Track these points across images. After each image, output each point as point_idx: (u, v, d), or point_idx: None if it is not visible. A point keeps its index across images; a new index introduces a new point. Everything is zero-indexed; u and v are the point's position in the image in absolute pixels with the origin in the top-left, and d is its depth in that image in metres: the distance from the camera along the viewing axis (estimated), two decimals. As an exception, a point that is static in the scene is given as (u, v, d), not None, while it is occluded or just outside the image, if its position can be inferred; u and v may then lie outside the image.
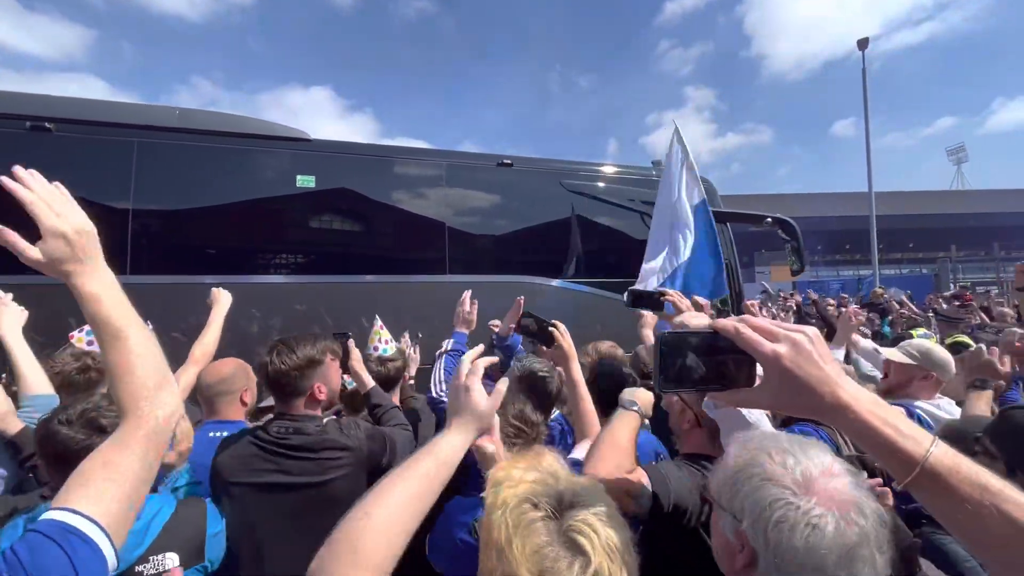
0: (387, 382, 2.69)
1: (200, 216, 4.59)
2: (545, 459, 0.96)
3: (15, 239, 0.91)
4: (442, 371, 2.32)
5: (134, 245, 4.28)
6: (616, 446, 1.45)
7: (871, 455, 0.70)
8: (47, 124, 4.12)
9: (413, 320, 4.69)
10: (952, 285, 23.98)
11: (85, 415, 1.52)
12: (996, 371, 2.48)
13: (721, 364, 0.75)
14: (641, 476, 1.42)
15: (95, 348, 2.51)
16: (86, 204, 3.90)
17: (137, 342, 0.98)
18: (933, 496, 0.64)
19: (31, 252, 0.91)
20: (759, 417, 1.45)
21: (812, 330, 0.73)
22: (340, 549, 0.84)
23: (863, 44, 21.48)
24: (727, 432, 1.46)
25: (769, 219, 5.40)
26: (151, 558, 1.45)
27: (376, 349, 2.90)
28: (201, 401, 2.39)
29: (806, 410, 0.72)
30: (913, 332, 6.87)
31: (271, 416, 1.90)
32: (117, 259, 4.23)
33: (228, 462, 1.80)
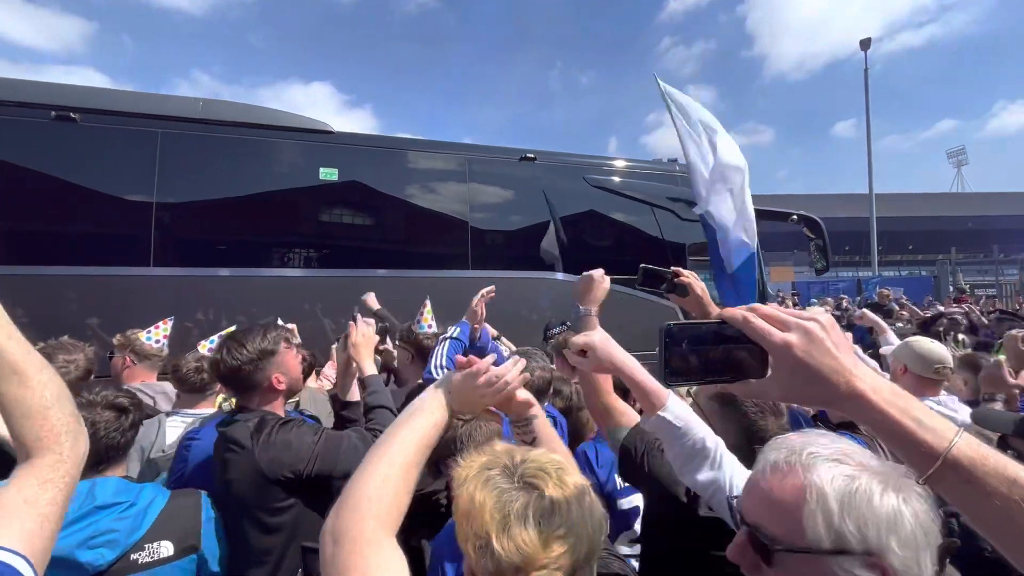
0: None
1: (224, 208, 4.57)
2: (497, 446, 1.01)
3: None
4: (443, 356, 2.33)
5: (158, 237, 4.25)
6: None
7: (888, 447, 0.67)
8: (72, 114, 4.09)
9: (435, 316, 4.66)
10: (951, 288, 24.11)
11: (106, 399, 1.59)
12: (1004, 383, 2.49)
13: (729, 355, 0.72)
14: (626, 417, 1.52)
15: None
16: (110, 194, 3.91)
17: (46, 377, 0.93)
18: (956, 490, 0.61)
19: None
20: (687, 418, 1.36)
21: (826, 317, 0.70)
22: (363, 507, 0.88)
23: (865, 44, 21.56)
24: (670, 443, 1.37)
25: (795, 216, 5.39)
26: (146, 546, 1.46)
27: (431, 327, 2.99)
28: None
29: (819, 401, 0.70)
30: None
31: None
32: (141, 251, 4.21)
33: None
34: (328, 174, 4.76)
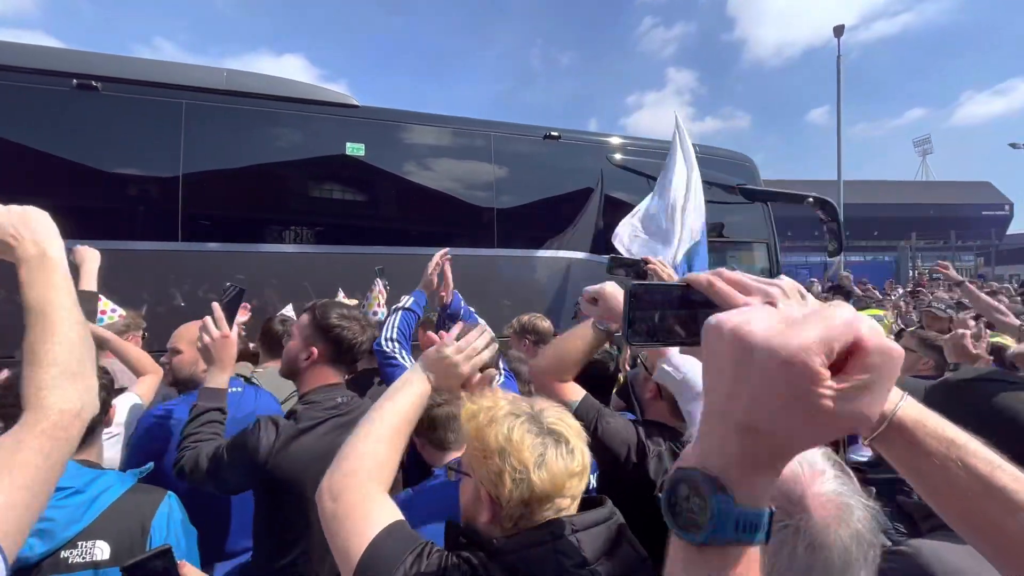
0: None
1: (252, 181, 4.49)
2: (497, 392, 1.18)
3: None
4: (394, 328, 2.26)
5: (185, 211, 4.15)
6: (554, 345, 1.65)
7: None
8: (94, 83, 3.93)
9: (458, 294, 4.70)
10: (911, 272, 25.26)
11: None
12: (968, 353, 2.63)
13: (694, 318, 0.71)
14: (573, 393, 1.63)
15: None
16: (135, 166, 3.76)
17: (56, 332, 0.92)
18: (899, 451, 0.64)
19: None
20: (688, 369, 1.52)
21: (788, 282, 0.68)
22: (357, 466, 1.03)
23: (839, 31, 22.00)
24: (684, 401, 1.55)
25: (810, 199, 5.54)
26: (80, 544, 1.26)
27: (375, 314, 2.83)
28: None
29: None
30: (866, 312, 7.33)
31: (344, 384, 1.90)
32: (168, 225, 4.11)
33: None
34: (355, 149, 4.71)
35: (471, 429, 1.06)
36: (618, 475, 1.54)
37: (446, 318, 2.83)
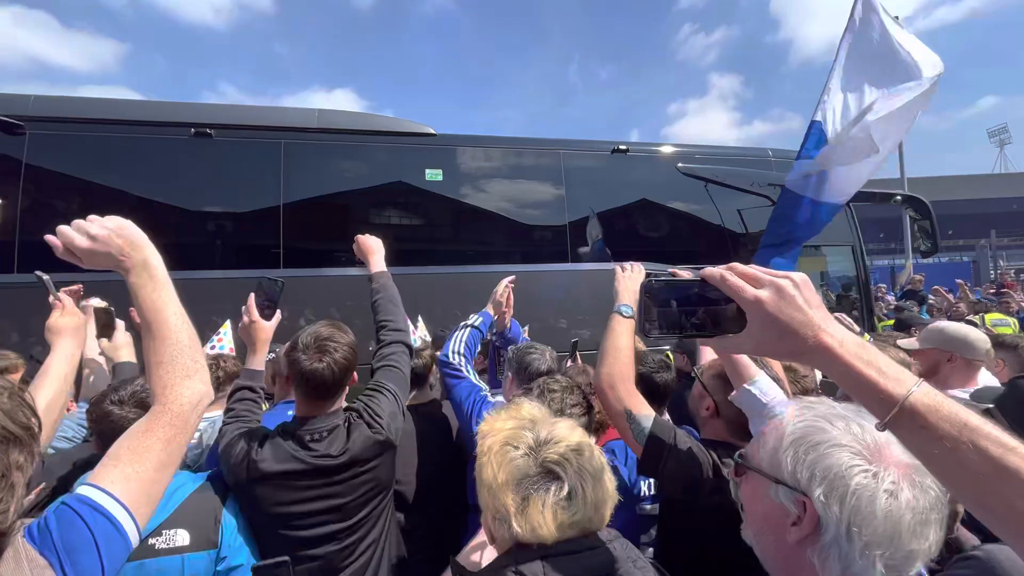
0: (420, 376, 2.56)
1: (344, 209, 4.84)
2: (523, 408, 1.09)
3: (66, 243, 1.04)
4: (462, 342, 2.33)
5: (285, 240, 4.51)
6: (615, 353, 1.62)
7: (853, 397, 0.71)
8: (208, 130, 4.38)
9: (534, 309, 4.81)
10: (992, 272, 23.38)
11: (136, 396, 1.63)
12: None
13: (709, 312, 0.76)
14: (647, 409, 1.55)
15: (221, 350, 2.82)
16: (242, 201, 4.13)
17: (169, 335, 1.04)
18: (912, 434, 0.64)
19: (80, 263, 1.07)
20: (774, 396, 1.49)
21: (799, 275, 0.73)
22: None
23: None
24: (757, 422, 1.51)
25: (898, 197, 5.28)
26: (164, 532, 1.44)
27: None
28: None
29: (788, 354, 0.73)
30: (986, 317, 6.78)
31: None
32: (271, 253, 4.47)
33: None
34: (433, 175, 4.98)
35: (478, 449, 1.01)
36: (695, 499, 1.49)
37: (502, 344, 2.95)
